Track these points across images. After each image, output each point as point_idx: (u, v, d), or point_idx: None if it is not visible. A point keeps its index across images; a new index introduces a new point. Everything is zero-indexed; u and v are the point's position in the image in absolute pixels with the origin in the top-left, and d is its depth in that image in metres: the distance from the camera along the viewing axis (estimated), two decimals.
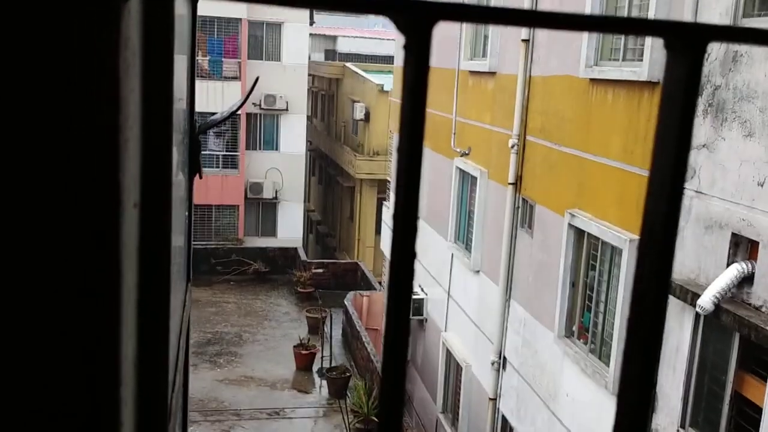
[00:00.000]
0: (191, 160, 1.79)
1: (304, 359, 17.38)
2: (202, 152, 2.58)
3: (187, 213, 1.83)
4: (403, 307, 0.41)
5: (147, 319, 0.72)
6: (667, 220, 0.34)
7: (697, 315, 6.51)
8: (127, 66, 0.50)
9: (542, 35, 10.13)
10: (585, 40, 8.68)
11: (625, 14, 8.18)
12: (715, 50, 6.59)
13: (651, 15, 7.42)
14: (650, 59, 7.40)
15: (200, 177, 1.93)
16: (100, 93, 0.44)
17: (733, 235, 6.22)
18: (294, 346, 17.65)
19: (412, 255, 0.40)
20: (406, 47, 0.34)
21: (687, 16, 6.89)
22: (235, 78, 25.06)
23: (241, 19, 25.04)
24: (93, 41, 0.44)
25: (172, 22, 0.82)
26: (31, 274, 0.50)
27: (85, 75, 0.44)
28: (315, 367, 17.43)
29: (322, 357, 17.32)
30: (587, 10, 8.67)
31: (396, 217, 0.40)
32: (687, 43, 0.34)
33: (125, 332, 0.61)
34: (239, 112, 23.59)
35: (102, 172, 0.46)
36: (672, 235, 0.36)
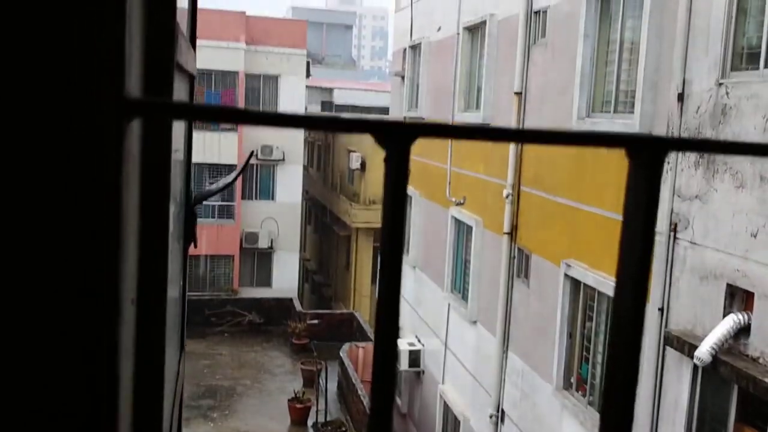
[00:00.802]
0: (186, 230, 1.82)
1: (299, 413, 17.10)
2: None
3: (181, 283, 1.85)
4: (389, 362, 0.42)
5: (140, 404, 0.73)
6: (634, 318, 0.36)
7: (695, 367, 6.48)
8: (128, 177, 0.53)
9: (535, 87, 10.31)
10: (577, 92, 8.83)
11: (615, 70, 8.34)
12: (704, 102, 6.71)
13: (641, 70, 7.57)
14: (641, 111, 7.53)
15: (195, 246, 1.95)
16: (101, 205, 0.47)
17: (728, 285, 6.24)
18: (288, 400, 17.38)
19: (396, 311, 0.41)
20: (386, 160, 0.37)
21: (676, 71, 7.03)
22: (232, 129, 25.32)
23: (238, 72, 25.45)
24: (96, 159, 0.47)
25: (169, 138, 0.86)
26: (25, 366, 0.52)
27: (87, 188, 0.47)
28: (310, 422, 17.14)
29: (317, 411, 17.05)
30: (577, 69, 8.84)
31: (379, 307, 0.42)
32: (646, 153, 0.37)
33: (122, 409, 0.62)
34: (234, 174, 23.72)
35: (100, 272, 0.48)
36: (640, 328, 0.38)
